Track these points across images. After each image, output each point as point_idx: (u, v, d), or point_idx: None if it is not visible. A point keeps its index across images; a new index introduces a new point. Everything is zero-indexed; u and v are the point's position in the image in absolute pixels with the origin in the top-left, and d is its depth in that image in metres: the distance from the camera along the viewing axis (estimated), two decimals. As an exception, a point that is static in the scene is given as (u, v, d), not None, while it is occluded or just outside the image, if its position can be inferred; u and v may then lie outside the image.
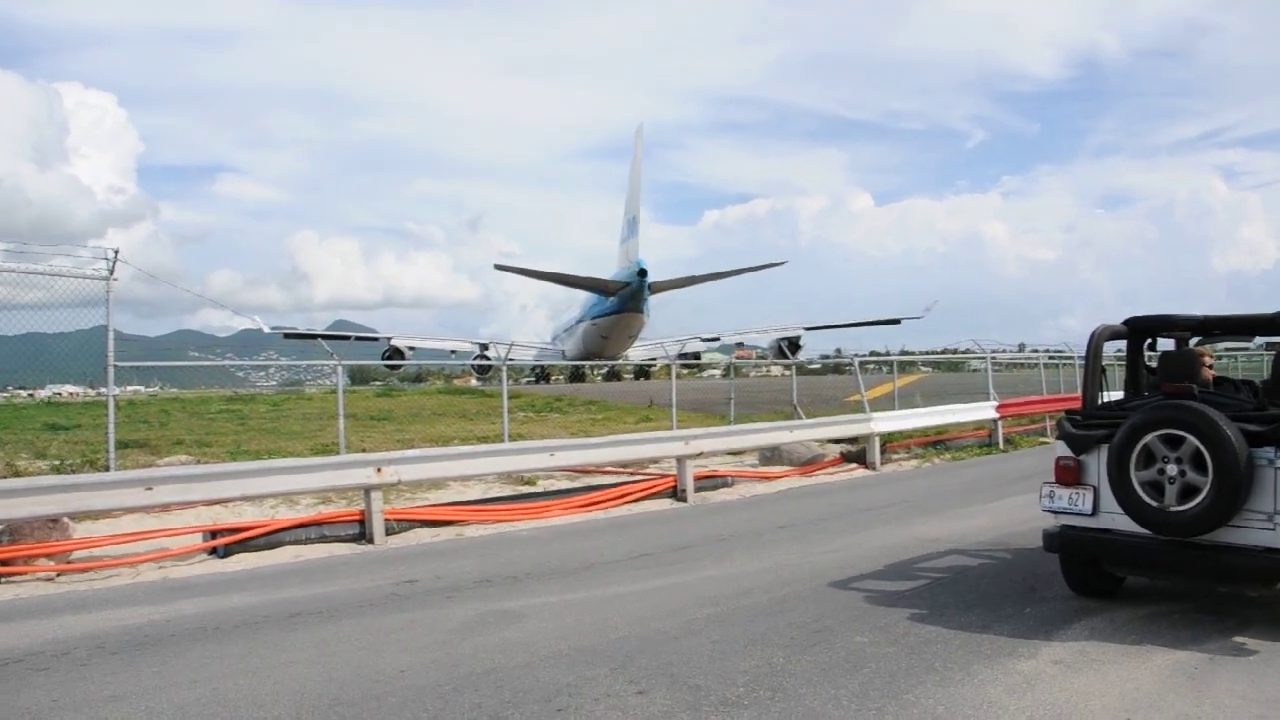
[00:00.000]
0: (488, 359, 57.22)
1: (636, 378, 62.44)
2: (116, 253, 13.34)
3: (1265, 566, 6.79)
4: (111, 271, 13.23)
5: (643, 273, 60.16)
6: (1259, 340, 10.25)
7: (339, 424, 14.93)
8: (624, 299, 61.14)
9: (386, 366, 55.40)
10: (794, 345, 60.72)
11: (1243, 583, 7.19)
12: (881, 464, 19.35)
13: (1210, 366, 8.84)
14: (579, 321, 66.10)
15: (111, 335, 13.29)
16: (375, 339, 62.64)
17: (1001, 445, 22.90)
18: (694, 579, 9.42)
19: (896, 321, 61.37)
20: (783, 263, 73.53)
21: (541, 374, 64.17)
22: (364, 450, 15.96)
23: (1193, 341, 9.47)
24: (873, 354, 31.89)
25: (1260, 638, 6.95)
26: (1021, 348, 39.33)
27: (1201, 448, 6.89)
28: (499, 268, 61.39)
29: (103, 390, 14.12)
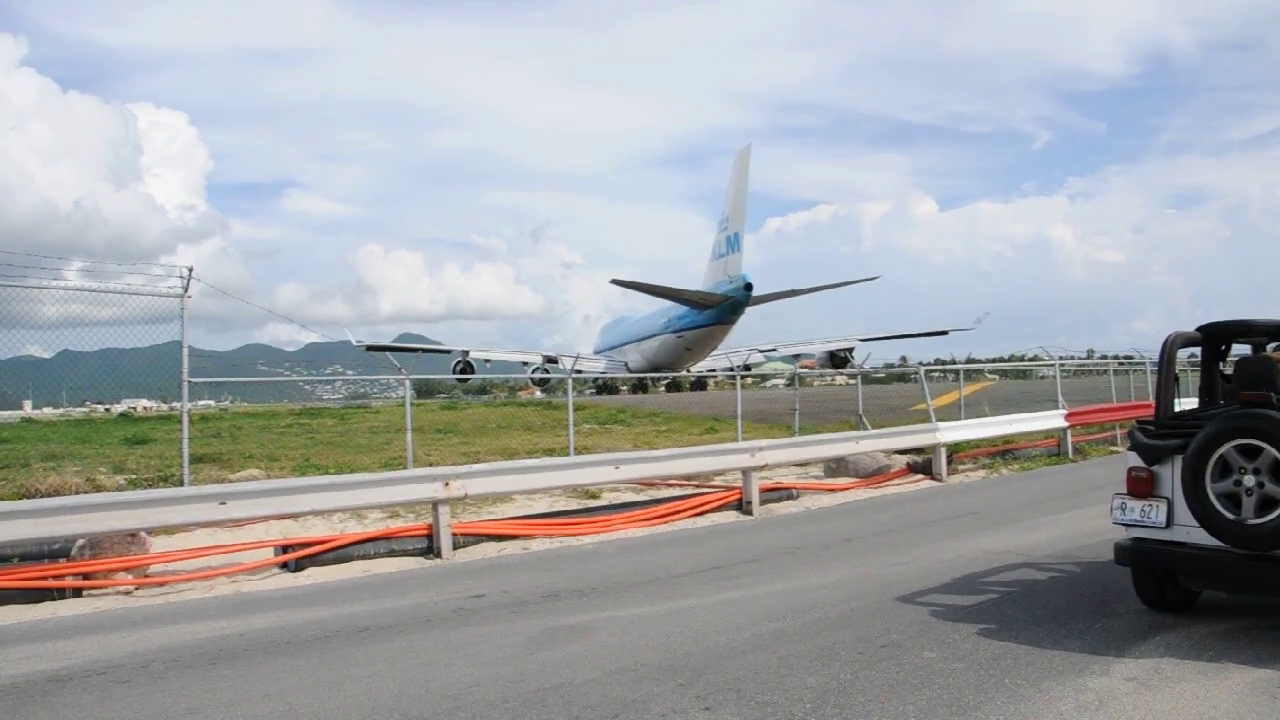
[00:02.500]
0: (548, 373, 57.59)
1: (693, 389, 62.38)
2: (190, 270, 13.64)
3: (1346, 582, 6.63)
4: (186, 289, 13.53)
5: (749, 286, 60.51)
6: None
7: (407, 438, 15.07)
8: (723, 311, 61.40)
9: (457, 379, 55.84)
10: (847, 357, 60.60)
11: (1324, 598, 7.00)
12: (948, 475, 19.14)
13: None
14: (655, 334, 66.14)
15: (186, 351, 13.57)
16: (447, 352, 63.25)
17: (1071, 455, 22.54)
18: (760, 593, 9.40)
19: (944, 333, 60.96)
20: (876, 278, 74.26)
21: (604, 385, 64.33)
22: (430, 463, 16.12)
23: (1270, 347, 9.29)
24: (938, 362, 31.50)
25: (1343, 654, 6.77)
26: (1090, 354, 38.82)
27: (1280, 458, 6.75)
28: (616, 282, 61.76)
29: (176, 405, 14.42)
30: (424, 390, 52.13)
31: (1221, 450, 7.04)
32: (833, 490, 17.55)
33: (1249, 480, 6.91)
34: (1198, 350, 9.06)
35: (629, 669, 6.91)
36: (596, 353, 64.38)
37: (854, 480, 18.40)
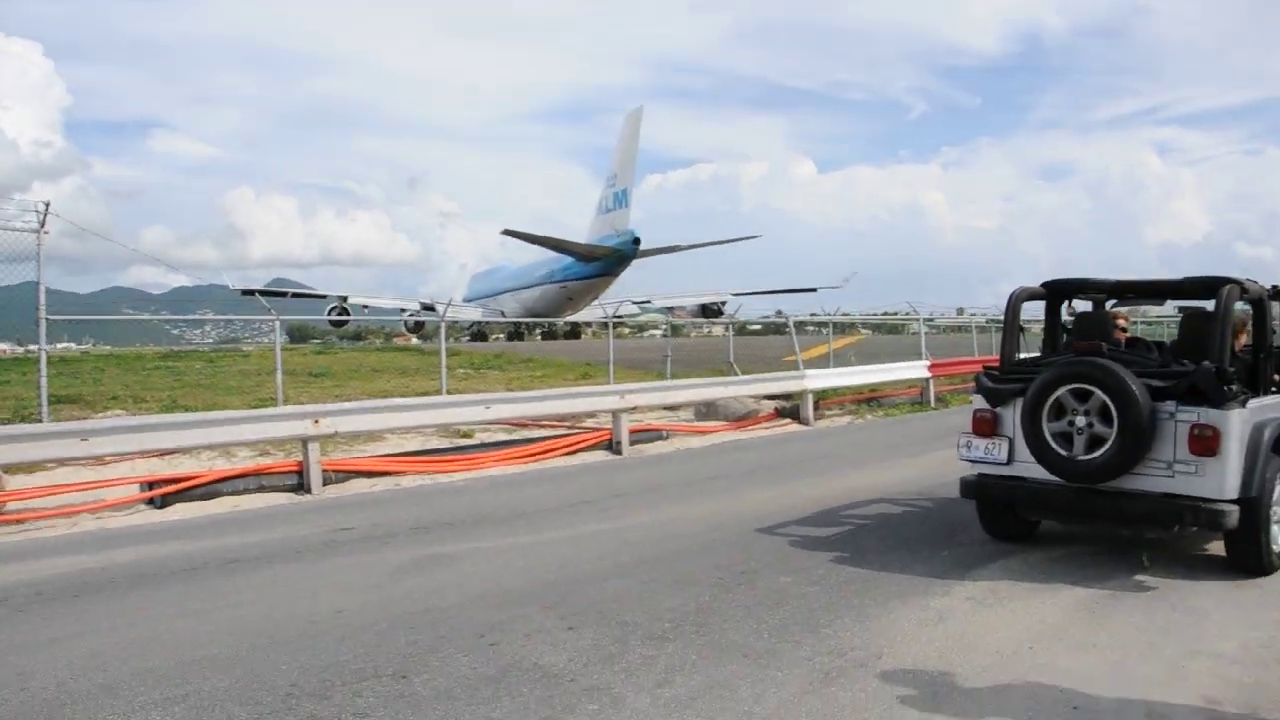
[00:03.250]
0: (422, 319, 57.12)
1: (566, 338, 62.60)
2: (47, 205, 13.16)
3: (1163, 511, 7.19)
4: (42, 224, 13.07)
5: (637, 241, 60.92)
6: (1171, 305, 10.66)
7: (277, 378, 14.95)
8: (609, 264, 61.68)
9: (331, 323, 55.02)
10: (719, 310, 61.69)
11: (1143, 526, 7.55)
12: (815, 420, 19.71)
13: (1124, 329, 9.25)
14: (536, 284, 66.09)
15: (43, 289, 13.18)
16: (323, 297, 62.23)
17: (933, 404, 23.37)
18: (625, 525, 9.68)
19: (814, 290, 62.19)
20: (757, 236, 75.97)
21: (478, 333, 64.01)
22: (301, 404, 15.99)
23: (1109, 304, 9.86)
24: (811, 315, 32.22)
25: (1157, 576, 7.36)
26: (960, 312, 40.01)
27: (1108, 401, 7.25)
28: (507, 232, 61.26)
29: (32, 347, 13.96)
30: (298, 335, 51.23)
31: (1057, 394, 7.52)
32: (702, 432, 17.96)
33: (1080, 421, 7.41)
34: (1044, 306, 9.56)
35: (495, 594, 7.12)
36: (467, 300, 63.94)
37: (723, 424, 18.84)
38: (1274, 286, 8.59)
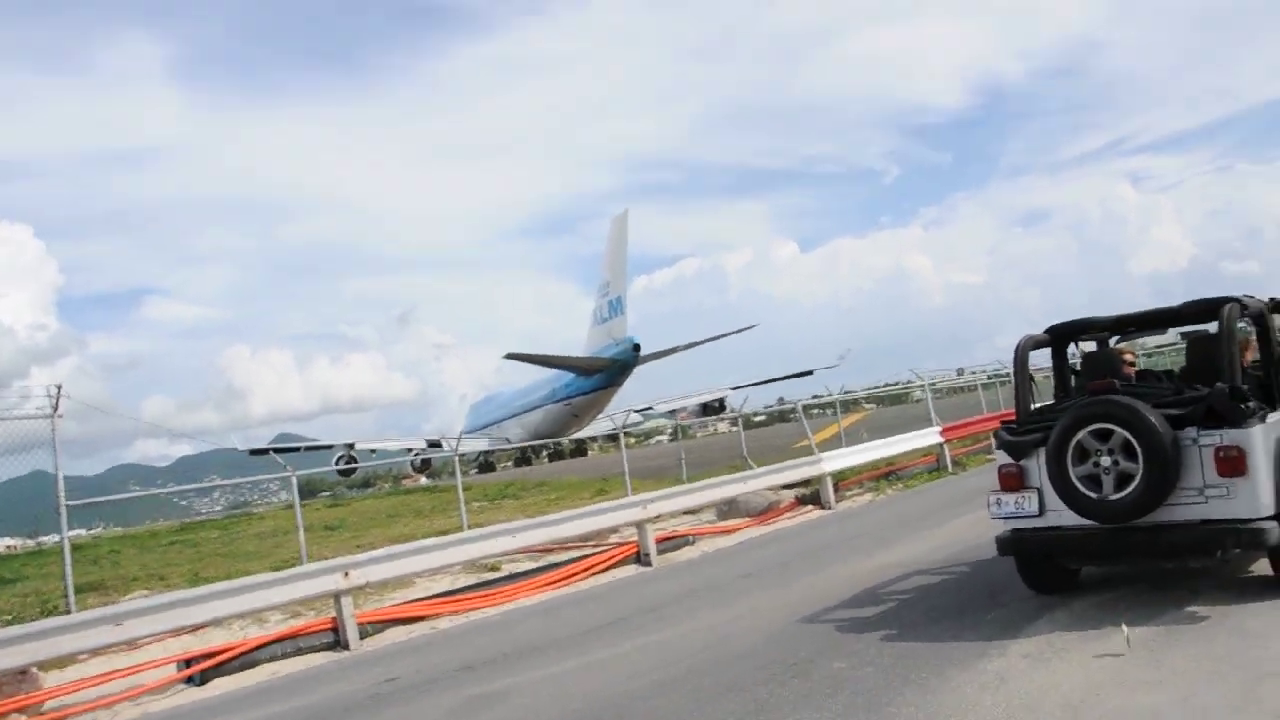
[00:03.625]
0: (428, 456, 57.10)
1: (573, 456, 62.44)
2: (59, 389, 13.04)
3: (1203, 538, 7.17)
4: (55, 407, 12.96)
5: (637, 348, 61.11)
6: (1172, 332, 10.85)
7: (299, 535, 14.89)
8: (611, 375, 61.78)
9: (339, 473, 54.93)
10: (720, 407, 61.88)
11: (1185, 556, 7.54)
12: (836, 502, 19.63)
13: (1132, 363, 9.33)
14: (538, 405, 66.16)
15: (61, 476, 13.12)
16: (329, 447, 62.34)
17: (950, 468, 23.28)
18: (667, 636, 9.60)
19: (809, 373, 62.37)
20: (753, 326, 75.92)
21: (485, 464, 63.82)
22: (325, 559, 15.88)
23: (1113, 341, 9.97)
24: (815, 398, 32.30)
25: (1209, 604, 7.33)
26: (960, 372, 40.12)
27: (1130, 437, 7.29)
28: (510, 356, 61.83)
29: (43, 539, 13.82)
30: (305, 490, 50.92)
31: (1078, 437, 7.55)
32: (727, 531, 17.86)
33: (1105, 461, 7.43)
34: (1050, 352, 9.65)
35: (555, 722, 7.05)
36: (468, 432, 64.07)
37: (746, 520, 18.73)
38: (1272, 299, 8.69)
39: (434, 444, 61.24)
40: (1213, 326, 8.00)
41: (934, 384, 31.93)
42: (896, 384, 39.35)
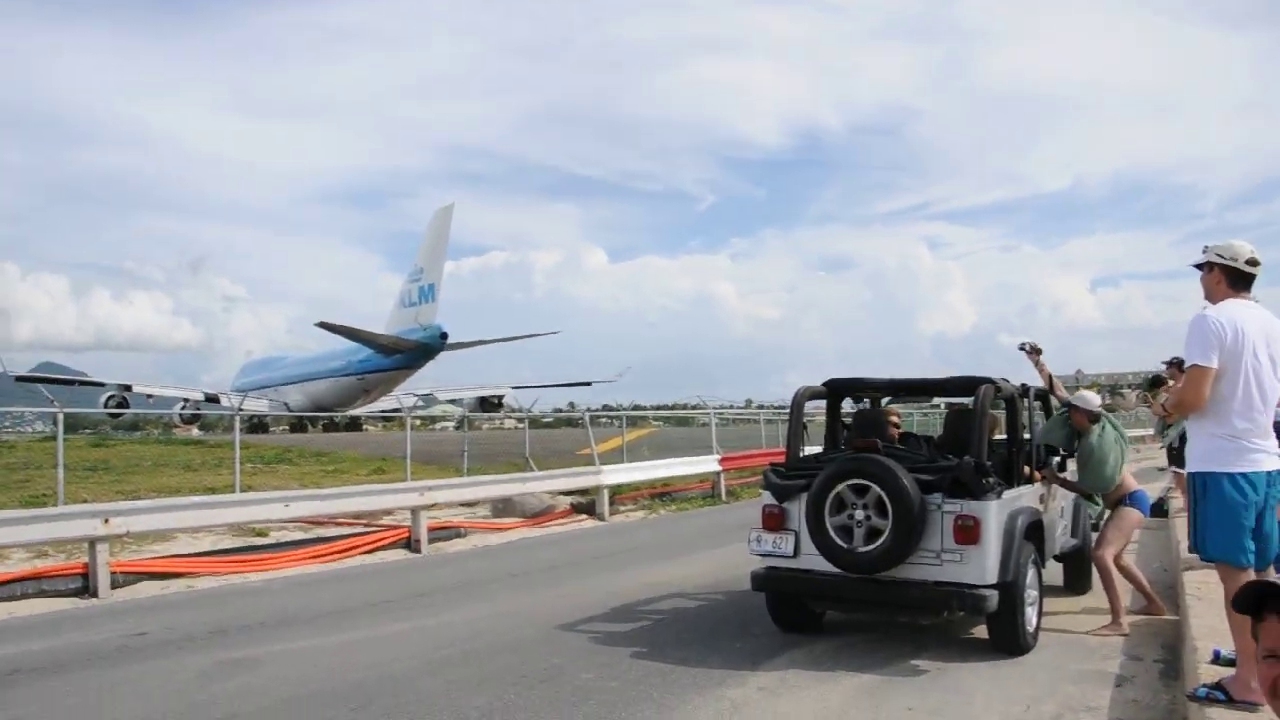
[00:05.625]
0: (199, 412, 55.07)
1: (347, 429, 61.49)
2: None
3: (934, 597, 7.81)
4: None
5: (444, 336, 60.37)
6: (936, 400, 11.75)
7: (58, 474, 14.28)
8: (413, 357, 60.84)
9: (109, 414, 52.35)
10: (498, 403, 62.42)
11: (917, 612, 8.20)
12: (610, 515, 20.05)
13: (898, 425, 10.03)
14: (328, 375, 64.60)
15: None
16: (101, 384, 59.24)
17: (724, 497, 24.03)
18: (429, 624, 9.72)
19: (588, 384, 63.47)
20: (558, 332, 76.75)
21: (259, 424, 62.05)
22: (84, 501, 15.25)
23: (884, 401, 10.70)
24: (605, 408, 32.85)
25: (931, 659, 7.96)
26: (749, 403, 41.46)
27: (883, 495, 7.86)
28: (322, 325, 59.74)
29: None
30: (70, 426, 48.32)
31: (838, 489, 8.07)
32: (500, 529, 18.03)
33: (859, 514, 7.97)
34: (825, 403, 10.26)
35: (301, 697, 7.09)
36: (239, 390, 61.83)
37: (520, 520, 18.95)
38: (1024, 385, 9.52)
39: (211, 398, 59.21)
40: (971, 401, 8.68)
41: (720, 411, 32.92)
42: (686, 406, 40.31)
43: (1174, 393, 6.69)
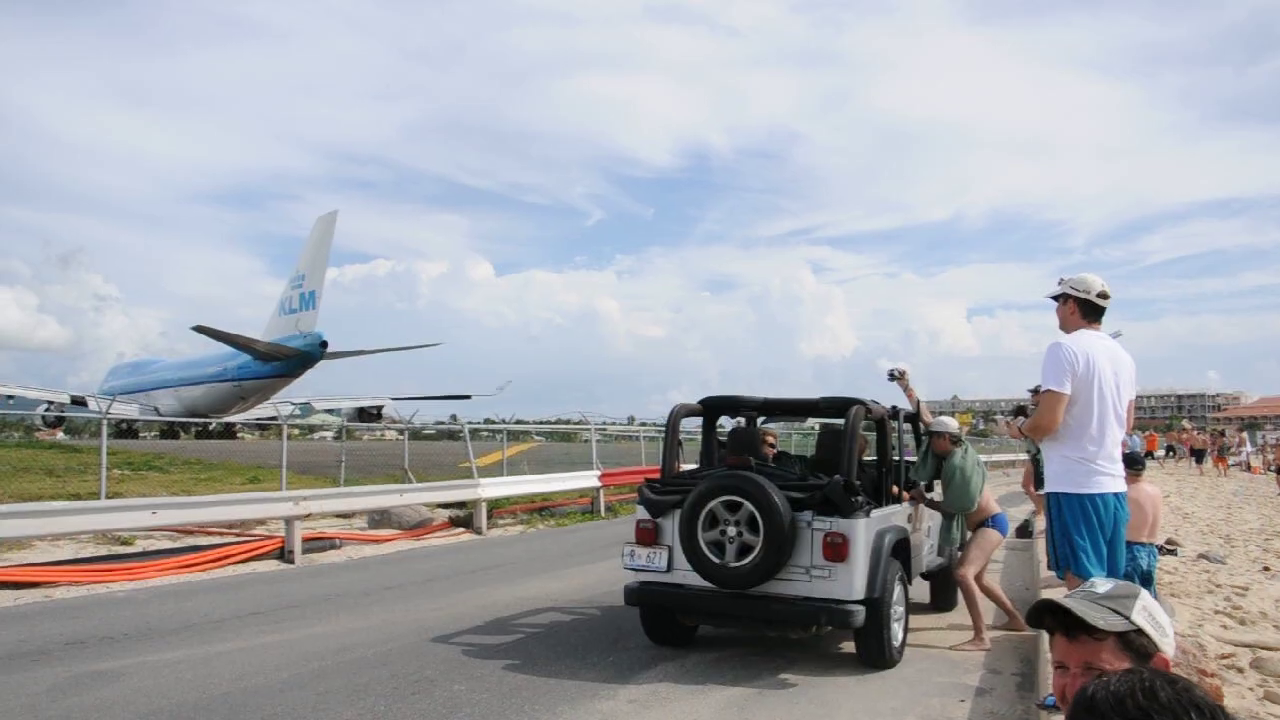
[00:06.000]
0: (63, 414, 53.37)
1: (220, 436, 60.22)
2: None
3: (803, 612, 8.02)
4: None
5: (324, 344, 59.34)
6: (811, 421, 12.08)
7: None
8: (292, 365, 59.59)
9: None
10: (377, 413, 62.01)
11: (787, 627, 8.41)
12: (488, 529, 19.99)
13: (772, 444, 10.30)
14: (203, 381, 63.09)
15: None
16: None
17: (604, 512, 24.16)
18: (299, 636, 9.61)
19: (467, 397, 63.58)
20: (439, 344, 76.32)
21: (128, 429, 60.29)
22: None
23: (760, 421, 10.96)
24: (487, 421, 32.81)
25: (800, 673, 8.17)
26: (631, 420, 41.77)
27: (755, 512, 8.05)
28: (197, 329, 57.99)
29: None
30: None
31: (711, 505, 8.24)
32: (376, 541, 17.85)
33: (731, 530, 8.16)
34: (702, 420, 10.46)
35: (163, 710, 6.95)
36: (106, 394, 60.10)
37: (397, 532, 18.78)
38: (893, 407, 9.85)
39: (78, 400, 57.35)
40: (842, 422, 8.94)
41: (602, 427, 33.14)
42: (568, 421, 40.42)
43: (1030, 417, 7.04)
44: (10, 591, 11.92)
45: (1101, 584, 2.32)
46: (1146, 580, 8.89)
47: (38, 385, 63.36)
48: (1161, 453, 51.07)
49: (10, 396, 57.32)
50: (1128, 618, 2.20)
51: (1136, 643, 2.18)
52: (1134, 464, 9.60)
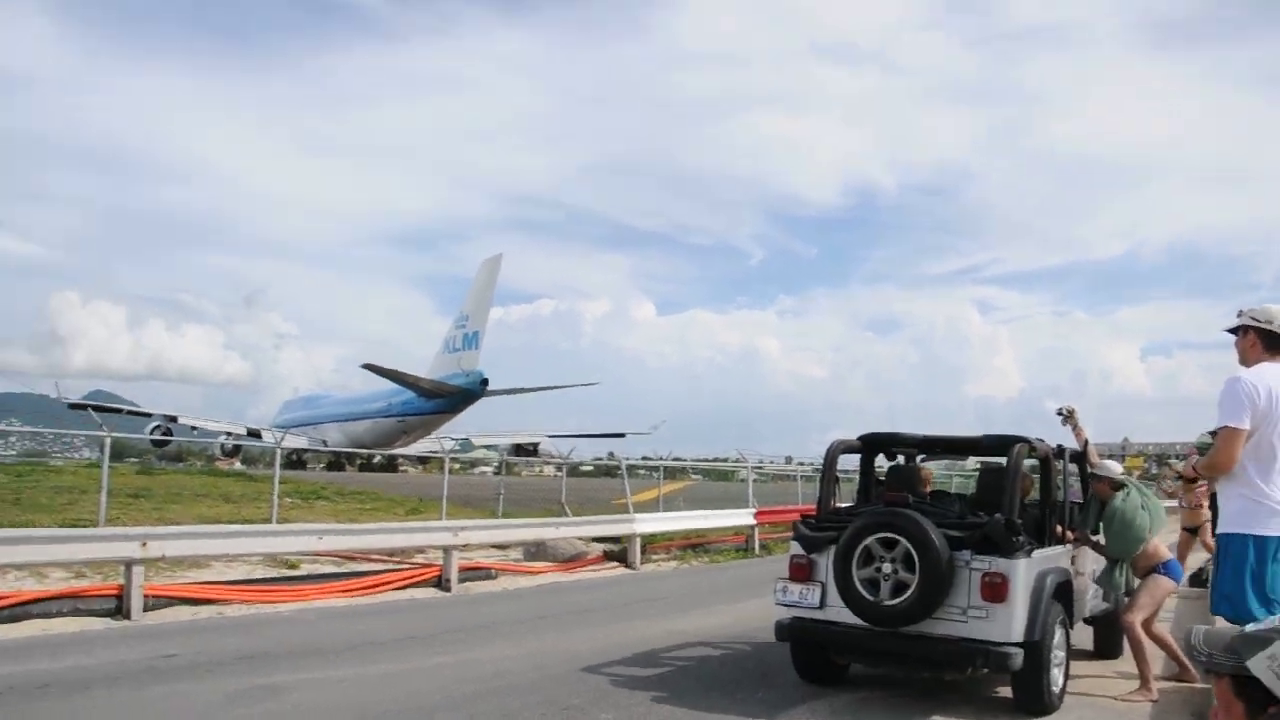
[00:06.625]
0: (241, 443, 56.01)
1: (383, 470, 62.03)
2: None
3: (958, 653, 7.74)
4: None
5: (485, 382, 61.29)
6: (972, 461, 11.74)
7: (101, 496, 14.53)
8: (454, 402, 61.73)
9: (153, 443, 53.31)
10: (534, 450, 62.92)
11: (942, 668, 8.12)
12: (642, 564, 20.02)
13: (928, 482, 10.02)
14: (369, 416, 65.44)
15: None
16: (148, 415, 60.42)
17: (757, 550, 23.93)
18: (454, 660, 9.77)
19: (622, 435, 63.81)
20: (595, 383, 77.83)
21: (297, 460, 62.84)
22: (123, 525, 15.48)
23: (919, 458, 10.68)
24: (644, 459, 32.95)
25: (952, 716, 7.90)
26: (789, 460, 41.26)
27: (911, 549, 7.82)
28: (367, 367, 60.83)
29: None
30: (116, 453, 49.11)
31: (866, 541, 8.04)
32: (530, 572, 18.06)
33: (887, 568, 7.94)
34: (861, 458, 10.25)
35: (322, 724, 7.14)
36: (278, 427, 62.77)
37: (551, 564, 18.97)
38: (1059, 446, 9.46)
39: (254, 433, 60.07)
40: (1005, 460, 8.64)
41: (759, 465, 32.84)
42: (726, 460, 40.19)
43: (1206, 455, 6.65)
44: (189, 607, 12.49)
45: (1266, 621, 2.14)
46: None
47: (218, 418, 66.70)
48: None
49: (194, 428, 60.49)
50: (1242, 662, 2.03)
51: (1247, 690, 2.00)
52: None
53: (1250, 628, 2.10)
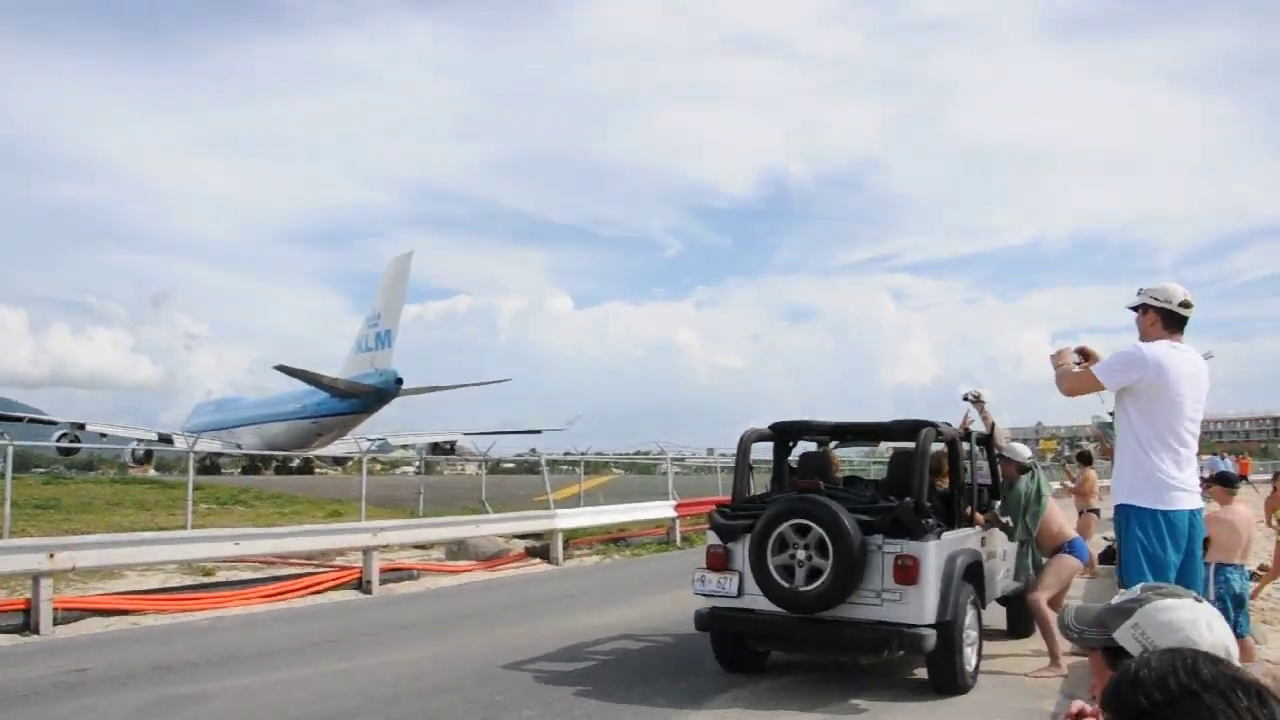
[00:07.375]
0: (153, 448, 54.87)
1: (299, 472, 61.29)
2: None
3: (874, 636, 7.91)
4: None
5: (399, 381, 60.61)
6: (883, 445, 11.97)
7: (4, 509, 14.15)
8: (368, 402, 60.97)
9: (60, 450, 51.98)
10: (450, 448, 62.77)
11: (858, 652, 8.29)
12: (564, 559, 20.04)
13: (839, 468, 10.19)
14: (283, 419, 64.51)
15: None
16: (54, 423, 58.82)
17: (679, 543, 24.05)
18: (374, 663, 9.71)
19: (538, 432, 63.88)
20: (509, 380, 77.58)
21: (211, 465, 61.72)
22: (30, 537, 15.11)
23: (832, 445, 10.85)
24: (566, 454, 32.98)
25: (871, 699, 8.05)
26: (710, 452, 41.56)
27: (824, 535, 7.97)
28: (279, 368, 59.69)
29: None
30: (19, 464, 47.79)
31: (780, 529, 8.17)
32: (452, 571, 17.98)
33: (801, 554, 8.07)
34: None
35: (241, 733, 7.07)
36: (191, 431, 61.80)
37: (473, 563, 18.90)
38: (965, 429, 9.69)
39: (165, 438, 58.86)
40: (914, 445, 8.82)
41: (679, 458, 33.05)
42: (647, 453, 40.38)
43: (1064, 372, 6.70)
44: (101, 619, 12.23)
45: (1128, 593, 2.22)
46: (1239, 603, 8.61)
47: (128, 424, 65.25)
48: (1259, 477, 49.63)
49: (104, 435, 59.09)
50: (1109, 634, 2.12)
51: (1118, 661, 2.09)
52: (1228, 482, 9.34)
53: (1115, 600, 2.20)
